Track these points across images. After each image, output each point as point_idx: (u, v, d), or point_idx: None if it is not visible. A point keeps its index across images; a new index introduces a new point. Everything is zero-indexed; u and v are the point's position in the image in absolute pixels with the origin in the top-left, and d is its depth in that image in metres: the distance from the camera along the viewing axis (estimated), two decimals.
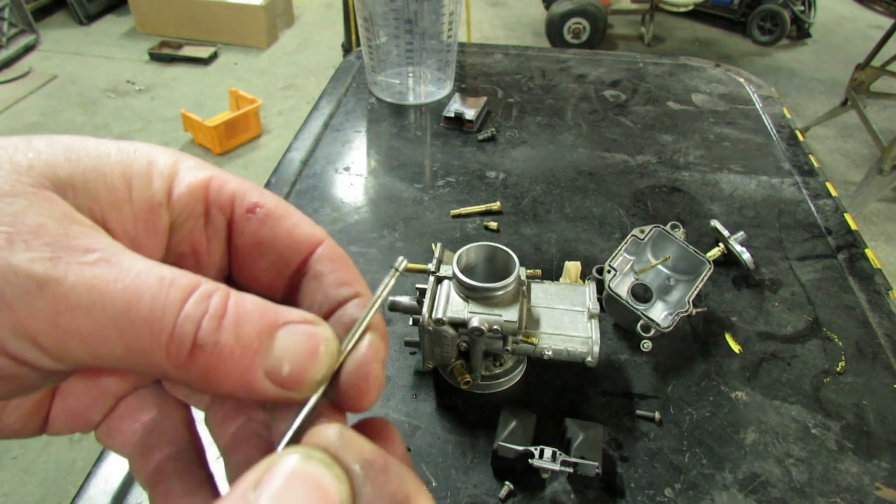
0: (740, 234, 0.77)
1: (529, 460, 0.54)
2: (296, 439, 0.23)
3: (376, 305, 0.25)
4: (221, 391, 0.22)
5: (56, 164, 0.22)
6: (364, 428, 0.25)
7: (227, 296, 0.21)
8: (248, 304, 0.22)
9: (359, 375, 0.24)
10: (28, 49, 3.83)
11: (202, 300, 0.21)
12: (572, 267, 0.78)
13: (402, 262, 0.27)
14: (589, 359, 0.57)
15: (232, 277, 0.28)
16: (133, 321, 0.20)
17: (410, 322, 0.63)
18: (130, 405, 0.27)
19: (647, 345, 0.64)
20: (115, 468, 0.56)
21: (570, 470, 0.53)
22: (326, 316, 0.26)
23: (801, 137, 1.05)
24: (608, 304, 0.67)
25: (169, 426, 0.27)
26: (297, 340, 0.22)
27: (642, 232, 0.71)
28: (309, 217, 0.28)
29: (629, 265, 0.72)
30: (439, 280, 0.60)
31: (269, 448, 0.26)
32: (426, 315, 0.57)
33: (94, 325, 0.20)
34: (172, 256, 0.26)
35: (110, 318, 0.20)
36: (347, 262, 0.27)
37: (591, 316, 0.59)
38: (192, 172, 0.26)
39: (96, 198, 0.23)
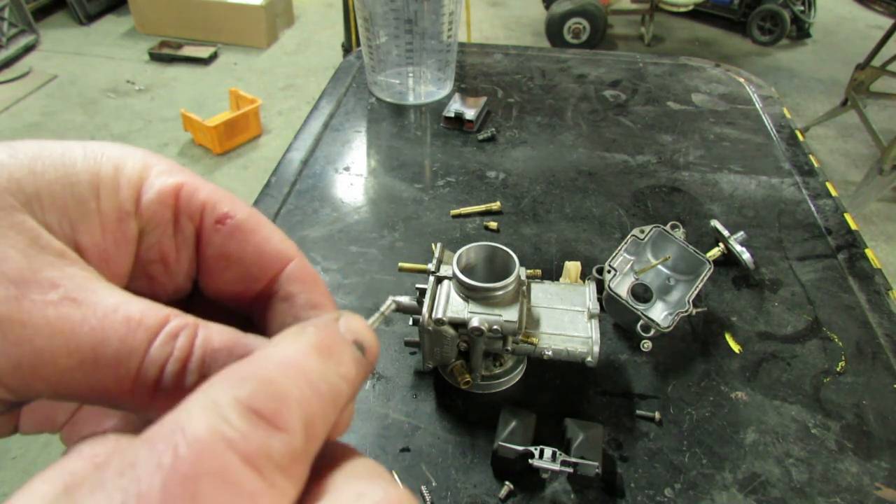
0: (740, 234, 0.77)
1: (529, 460, 0.54)
2: None
3: None
4: None
5: (21, 177, 0.21)
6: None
7: (193, 333, 0.21)
8: (215, 341, 0.21)
9: None
10: (28, 49, 3.83)
11: (168, 341, 0.20)
12: (572, 267, 0.78)
13: (389, 306, 0.27)
14: (589, 359, 0.57)
15: (200, 284, 0.28)
16: (98, 364, 0.20)
17: (410, 322, 0.63)
18: (94, 409, 0.27)
19: (647, 345, 0.64)
20: None
21: (570, 470, 0.53)
22: None
23: (801, 137, 1.05)
24: (608, 304, 0.67)
25: (133, 433, 0.27)
26: None
27: (642, 232, 0.71)
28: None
29: (629, 265, 0.72)
30: (439, 280, 0.60)
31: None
32: (426, 315, 0.57)
33: (58, 368, 0.19)
34: (141, 264, 0.26)
35: (75, 361, 0.19)
36: (318, 282, 0.27)
37: (591, 316, 0.59)
38: (162, 178, 0.25)
39: (65, 211, 0.22)
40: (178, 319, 0.21)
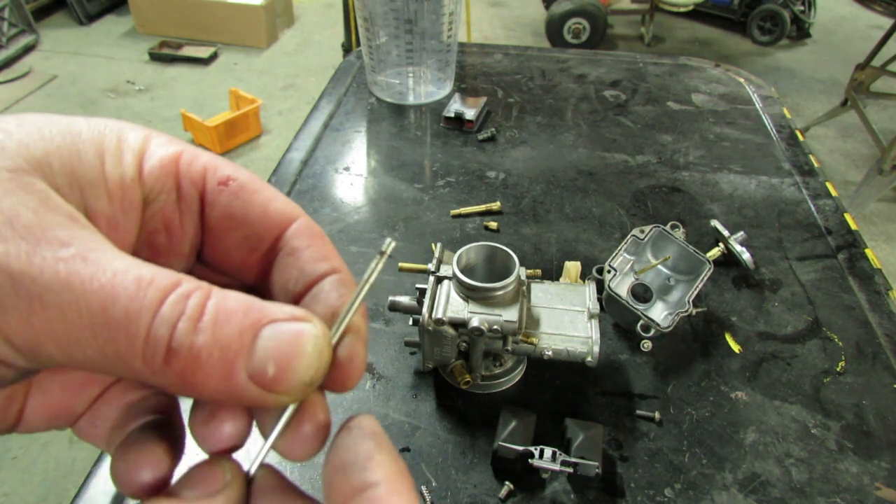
0: (740, 234, 0.77)
1: (529, 460, 0.54)
2: (279, 440, 0.23)
3: (364, 291, 0.24)
4: (202, 395, 0.21)
5: (30, 143, 0.22)
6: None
7: (206, 295, 0.20)
8: (230, 303, 0.20)
9: (342, 356, 0.23)
10: (28, 49, 3.83)
11: (179, 301, 0.20)
12: (572, 267, 0.78)
13: (389, 245, 0.26)
14: (589, 359, 0.57)
15: (204, 253, 0.28)
16: (108, 324, 0.19)
17: (410, 322, 0.63)
18: (118, 390, 0.26)
19: (647, 345, 0.64)
20: None
21: (570, 470, 0.53)
22: (303, 292, 0.25)
23: (801, 137, 1.05)
24: (608, 304, 0.67)
25: (155, 404, 0.25)
26: (284, 339, 0.20)
27: (642, 232, 0.71)
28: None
29: (629, 265, 0.72)
30: (439, 280, 0.60)
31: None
32: (426, 315, 0.57)
33: (68, 326, 0.19)
34: (145, 234, 0.25)
35: (84, 319, 0.19)
36: (324, 237, 0.26)
37: (591, 316, 0.59)
38: (163, 148, 0.25)
39: (73, 175, 0.22)
40: (191, 283, 0.20)
